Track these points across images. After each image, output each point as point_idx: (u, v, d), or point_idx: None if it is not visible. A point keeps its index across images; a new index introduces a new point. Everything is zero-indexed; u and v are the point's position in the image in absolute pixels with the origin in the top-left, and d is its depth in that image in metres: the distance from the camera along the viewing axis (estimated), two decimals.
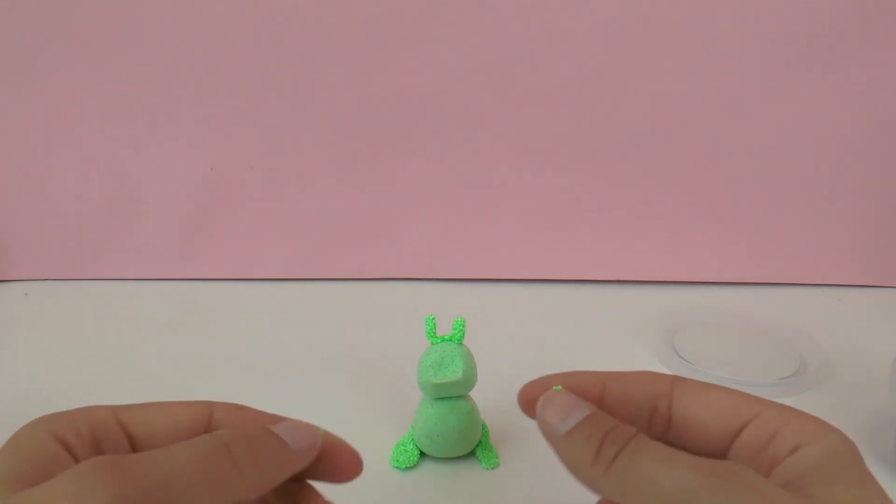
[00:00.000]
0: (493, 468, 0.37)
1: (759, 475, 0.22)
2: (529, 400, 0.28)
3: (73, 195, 0.58)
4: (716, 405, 0.25)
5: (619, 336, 0.51)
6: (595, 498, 0.29)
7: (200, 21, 0.53)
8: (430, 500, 0.35)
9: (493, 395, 0.42)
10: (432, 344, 0.35)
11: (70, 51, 0.54)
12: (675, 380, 0.26)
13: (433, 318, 0.36)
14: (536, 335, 0.51)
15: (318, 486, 0.26)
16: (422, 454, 0.37)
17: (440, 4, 0.53)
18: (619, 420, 0.25)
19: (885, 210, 0.57)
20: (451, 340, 0.35)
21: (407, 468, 0.37)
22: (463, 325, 0.35)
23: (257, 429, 0.24)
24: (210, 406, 0.25)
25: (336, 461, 0.26)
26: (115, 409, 0.24)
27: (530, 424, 0.40)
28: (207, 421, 0.25)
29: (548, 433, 0.26)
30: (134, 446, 0.24)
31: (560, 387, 0.27)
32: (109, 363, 0.47)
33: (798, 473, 0.23)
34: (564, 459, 0.25)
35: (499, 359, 0.46)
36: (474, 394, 0.37)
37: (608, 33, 0.53)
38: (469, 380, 0.35)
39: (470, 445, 0.37)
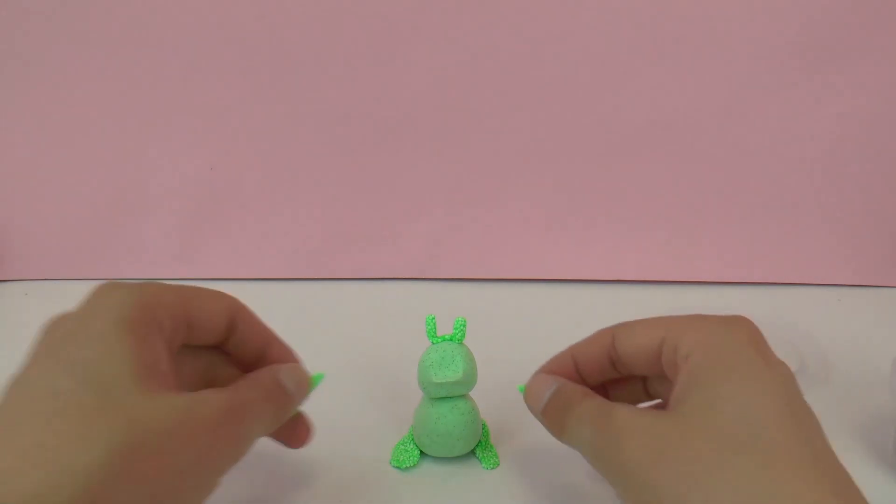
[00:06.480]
0: (493, 468, 0.37)
1: (628, 414, 0.27)
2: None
3: (73, 195, 0.58)
4: (638, 338, 0.30)
5: None
6: (587, 497, 0.31)
7: (200, 21, 0.53)
8: (430, 500, 0.35)
9: (493, 395, 0.42)
10: (433, 344, 0.35)
11: (70, 51, 0.54)
12: (615, 329, 0.32)
13: (433, 318, 0.36)
14: (536, 335, 0.51)
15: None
16: (422, 454, 0.37)
17: (440, 4, 0.53)
18: (581, 384, 0.32)
19: (885, 210, 0.57)
20: (451, 340, 0.35)
21: (407, 468, 0.37)
22: (463, 325, 0.36)
23: (271, 385, 0.30)
24: (235, 305, 0.31)
25: (295, 428, 0.33)
26: (181, 294, 0.29)
27: (530, 424, 0.41)
28: (234, 318, 0.31)
29: (534, 415, 0.33)
30: (189, 326, 0.29)
31: (523, 386, 0.34)
32: None
33: (684, 383, 0.27)
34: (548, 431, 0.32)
35: (499, 359, 0.47)
36: (474, 394, 0.37)
37: (610, 32, 0.53)
38: (469, 379, 0.35)
39: (470, 445, 0.37)
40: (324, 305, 0.56)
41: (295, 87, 0.55)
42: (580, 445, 0.29)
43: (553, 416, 0.31)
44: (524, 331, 0.52)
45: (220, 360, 0.32)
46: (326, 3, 0.53)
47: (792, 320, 0.51)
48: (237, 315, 0.31)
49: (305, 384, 0.32)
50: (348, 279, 0.60)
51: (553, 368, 0.33)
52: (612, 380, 0.33)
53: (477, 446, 0.37)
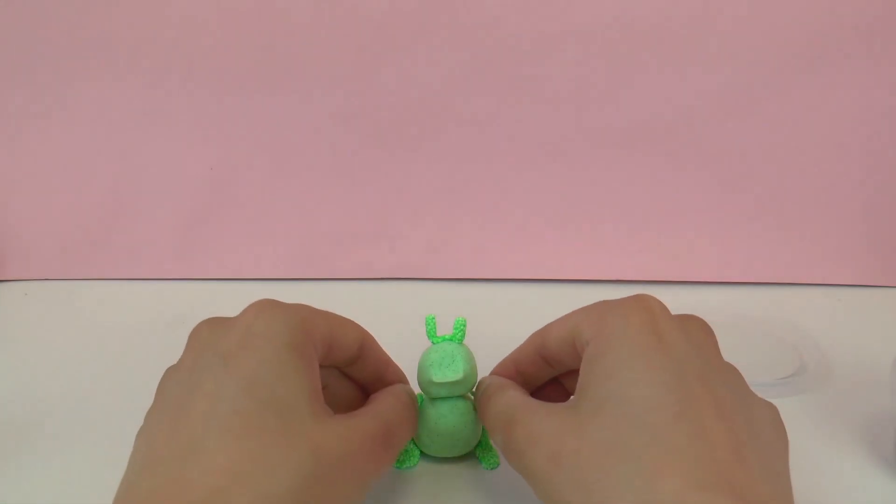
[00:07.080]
0: (493, 468, 0.37)
1: (532, 420, 0.28)
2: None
3: (72, 195, 0.58)
4: (557, 332, 0.32)
5: None
6: None
7: (199, 20, 0.53)
8: (430, 500, 0.35)
9: None
10: (433, 344, 0.35)
11: (69, 50, 0.54)
12: (545, 327, 0.33)
13: (433, 318, 0.36)
14: None
15: None
16: (422, 454, 0.37)
17: (440, 4, 0.53)
18: (525, 385, 0.34)
19: (885, 210, 0.57)
20: (451, 340, 0.35)
21: (407, 468, 0.37)
22: (464, 325, 0.36)
23: (410, 402, 0.33)
24: (365, 334, 0.33)
25: None
26: (327, 319, 0.31)
27: None
28: (363, 345, 0.33)
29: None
30: (330, 348, 0.31)
31: (472, 392, 0.36)
32: (109, 363, 0.47)
33: (582, 376, 0.28)
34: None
35: (499, 359, 0.46)
36: None
37: (608, 33, 0.53)
38: (470, 379, 0.35)
39: (470, 445, 0.37)
40: (324, 305, 0.56)
41: (295, 87, 0.55)
42: (497, 446, 0.31)
43: (479, 411, 0.34)
44: (524, 331, 0.51)
45: (334, 374, 0.34)
46: (326, 4, 0.53)
47: (792, 320, 0.51)
48: (365, 342, 0.33)
49: (417, 402, 0.35)
50: (348, 279, 0.60)
51: (496, 372, 0.36)
52: (564, 373, 0.34)
53: (477, 446, 0.37)
